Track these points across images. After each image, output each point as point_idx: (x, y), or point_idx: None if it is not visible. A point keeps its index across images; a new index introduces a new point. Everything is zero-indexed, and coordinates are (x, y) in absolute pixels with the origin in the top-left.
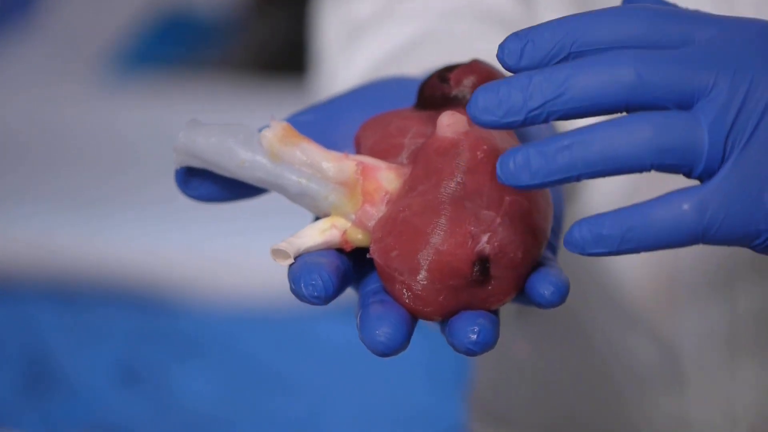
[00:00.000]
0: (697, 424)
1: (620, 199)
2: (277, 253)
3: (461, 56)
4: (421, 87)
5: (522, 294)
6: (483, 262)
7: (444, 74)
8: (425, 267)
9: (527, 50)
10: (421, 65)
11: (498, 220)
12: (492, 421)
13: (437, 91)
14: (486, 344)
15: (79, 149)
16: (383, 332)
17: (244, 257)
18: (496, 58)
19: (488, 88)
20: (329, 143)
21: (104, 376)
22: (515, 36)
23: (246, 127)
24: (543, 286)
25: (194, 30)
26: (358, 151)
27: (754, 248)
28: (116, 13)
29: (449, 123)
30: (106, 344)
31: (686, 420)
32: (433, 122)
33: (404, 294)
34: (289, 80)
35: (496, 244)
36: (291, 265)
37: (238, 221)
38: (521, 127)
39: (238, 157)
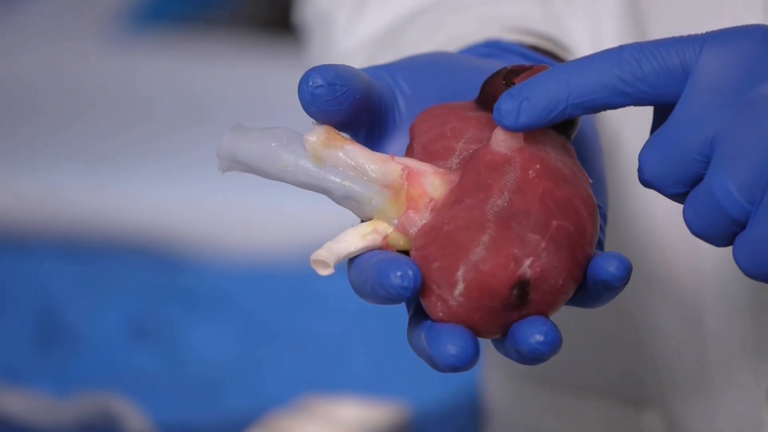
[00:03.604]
0: (718, 378)
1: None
2: (318, 263)
3: (475, 24)
4: (484, 85)
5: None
6: (522, 286)
7: (509, 77)
8: (464, 284)
9: (523, 108)
10: (438, 34)
11: (543, 244)
12: (512, 377)
13: (499, 94)
14: (553, 343)
15: (91, 104)
16: (455, 345)
17: (257, 213)
18: (519, 23)
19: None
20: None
21: (116, 331)
22: (509, 96)
23: (289, 130)
24: (607, 262)
25: None
26: (411, 143)
27: None
28: None
29: (504, 138)
30: (118, 300)
31: (708, 372)
32: (491, 127)
33: (438, 307)
34: (299, 37)
35: (538, 269)
36: (354, 262)
37: (253, 177)
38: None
39: (280, 161)
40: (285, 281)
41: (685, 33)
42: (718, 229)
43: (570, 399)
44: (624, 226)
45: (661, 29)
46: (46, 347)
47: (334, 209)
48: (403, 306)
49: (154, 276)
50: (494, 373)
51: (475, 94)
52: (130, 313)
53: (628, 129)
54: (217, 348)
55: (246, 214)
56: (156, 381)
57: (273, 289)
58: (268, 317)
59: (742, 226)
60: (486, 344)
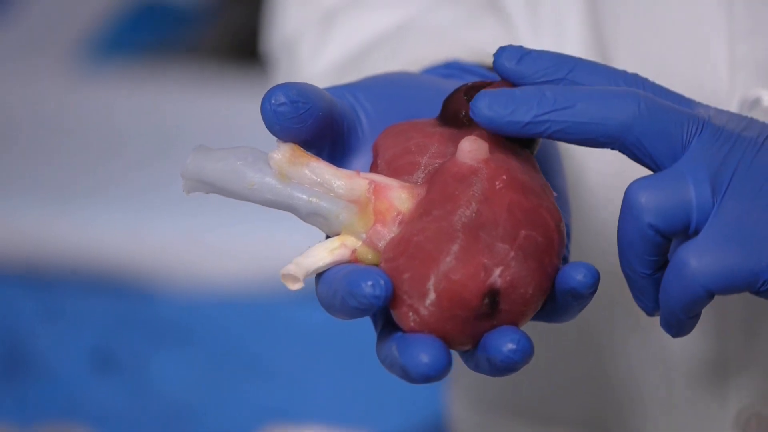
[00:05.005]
0: (686, 404)
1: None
2: (287, 277)
3: (436, 47)
4: (446, 101)
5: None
6: (493, 295)
7: (471, 93)
8: (435, 293)
9: (526, 59)
10: (401, 56)
11: (512, 254)
12: (478, 407)
13: (462, 109)
14: (525, 352)
15: (57, 136)
16: (428, 354)
17: (223, 242)
18: (481, 48)
19: (500, 92)
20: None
21: (81, 362)
22: (518, 46)
23: (253, 149)
24: (575, 270)
25: (169, 16)
26: (376, 160)
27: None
28: (92, 1)
29: (470, 149)
30: (83, 330)
31: (675, 399)
32: (454, 142)
33: (410, 317)
34: (264, 66)
35: (508, 278)
36: (322, 277)
37: (214, 206)
38: (519, 134)
39: (246, 180)
40: (249, 312)
41: (647, 60)
42: (675, 214)
43: (536, 427)
44: (590, 257)
45: (624, 54)
46: (9, 378)
47: (297, 239)
48: (367, 334)
49: (118, 307)
50: (459, 402)
51: (436, 112)
52: (94, 343)
53: (592, 159)
54: (181, 378)
55: (209, 245)
56: (120, 411)
57: (237, 320)
58: (231, 347)
59: (695, 229)
60: (452, 371)
